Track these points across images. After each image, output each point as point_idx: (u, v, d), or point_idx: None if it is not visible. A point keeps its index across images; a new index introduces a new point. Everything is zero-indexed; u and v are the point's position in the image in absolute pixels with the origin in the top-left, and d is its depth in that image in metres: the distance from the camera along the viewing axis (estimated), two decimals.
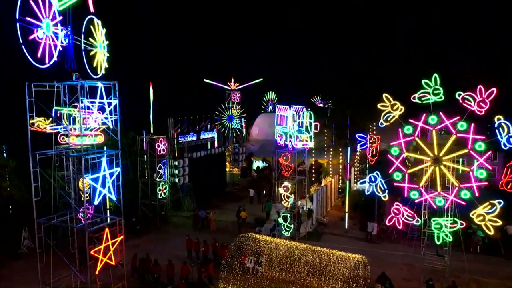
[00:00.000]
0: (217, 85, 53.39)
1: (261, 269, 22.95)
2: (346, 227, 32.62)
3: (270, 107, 73.53)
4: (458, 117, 20.26)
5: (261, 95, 72.58)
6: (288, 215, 26.62)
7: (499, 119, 19.40)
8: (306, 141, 28.70)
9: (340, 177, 40.88)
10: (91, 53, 17.56)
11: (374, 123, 37.48)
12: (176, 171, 36.98)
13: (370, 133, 35.03)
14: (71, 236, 21.40)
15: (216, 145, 45.00)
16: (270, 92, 73.59)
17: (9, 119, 32.02)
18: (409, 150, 23.14)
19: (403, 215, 21.73)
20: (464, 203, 20.12)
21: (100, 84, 18.37)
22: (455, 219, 21.29)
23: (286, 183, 26.55)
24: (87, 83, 18.08)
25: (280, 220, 26.76)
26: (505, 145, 19.20)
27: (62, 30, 15.87)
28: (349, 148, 32.45)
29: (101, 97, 19.01)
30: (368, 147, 22.04)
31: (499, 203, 20.09)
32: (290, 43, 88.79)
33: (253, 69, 71.37)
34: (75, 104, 27.28)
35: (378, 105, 21.26)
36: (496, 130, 19.32)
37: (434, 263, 23.24)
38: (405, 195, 21.31)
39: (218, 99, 53.49)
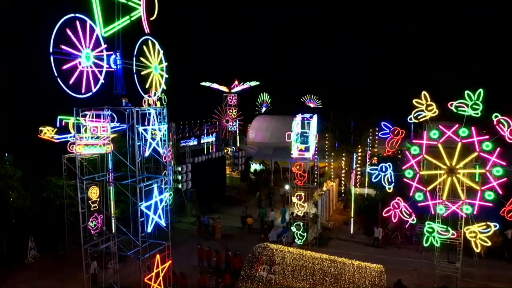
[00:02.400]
0: (214, 88, 53.26)
1: (274, 278, 23.09)
2: (352, 232, 32.89)
3: (264, 109, 73.73)
4: (457, 125, 20.59)
5: (255, 96, 72.70)
6: (301, 223, 26.77)
7: None
8: (303, 151, 28.45)
9: (343, 181, 41.19)
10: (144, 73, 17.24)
11: (377, 128, 37.96)
12: (179, 177, 36.79)
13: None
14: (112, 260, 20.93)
15: (216, 149, 45.02)
16: (264, 93, 73.77)
17: (13, 128, 31.53)
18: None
19: (401, 211, 22.02)
20: (491, 205, 20.37)
21: (152, 111, 17.97)
22: (448, 227, 21.80)
23: (299, 192, 26.66)
24: (141, 109, 17.60)
25: (293, 229, 26.89)
26: None
27: (109, 56, 15.51)
28: (354, 154, 32.83)
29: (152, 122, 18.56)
30: (390, 137, 22.03)
31: (495, 226, 20.90)
32: (285, 43, 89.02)
33: (248, 71, 71.47)
34: (86, 112, 27.06)
35: (414, 101, 20.95)
36: None
37: (446, 269, 23.68)
38: (433, 213, 21.61)
39: (215, 102, 53.49)
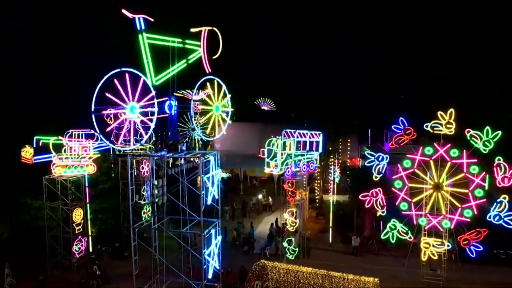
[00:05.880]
0: (187, 96, 52.59)
1: None
2: (330, 241, 33.91)
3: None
4: (450, 145, 22.17)
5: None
6: (293, 238, 27.39)
7: (504, 198, 21.46)
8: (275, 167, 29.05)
9: (317, 190, 42.29)
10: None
11: (349, 140, 39.53)
12: (155, 191, 36.16)
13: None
14: None
15: (185, 159, 44.49)
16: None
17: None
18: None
19: (376, 201, 23.36)
20: (469, 220, 22.09)
21: (211, 158, 17.55)
22: (409, 231, 23.49)
23: (291, 209, 27.32)
24: (205, 158, 17.01)
25: (285, 244, 27.46)
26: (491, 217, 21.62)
27: (163, 102, 14.97)
28: (333, 167, 33.98)
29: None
30: (400, 133, 22.91)
31: (448, 246, 23.08)
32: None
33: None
34: (71, 131, 26.11)
35: (438, 113, 21.91)
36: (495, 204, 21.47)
37: (430, 277, 25.25)
38: (415, 223, 23.00)
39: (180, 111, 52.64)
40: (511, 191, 21.83)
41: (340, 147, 43.34)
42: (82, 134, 26.59)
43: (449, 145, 22.10)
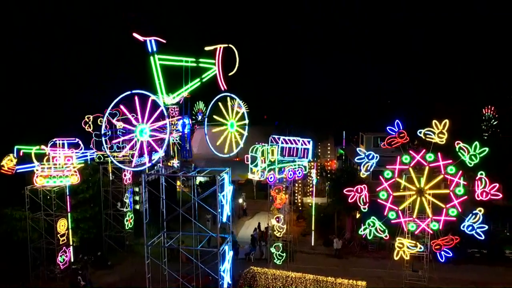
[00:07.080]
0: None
1: None
2: (313, 244, 34.53)
3: (200, 117, 73.24)
4: (424, 150, 23.02)
5: (192, 105, 71.96)
6: (280, 244, 27.79)
7: (480, 210, 22.20)
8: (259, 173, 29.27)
9: (297, 194, 42.82)
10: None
11: (329, 144, 40.30)
12: (137, 198, 35.96)
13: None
14: None
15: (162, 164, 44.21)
16: (199, 102, 73.35)
17: None
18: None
19: (360, 197, 23.61)
20: (455, 219, 22.95)
21: (225, 176, 17.39)
22: (386, 229, 24.06)
23: (279, 215, 27.70)
24: (221, 178, 17.10)
25: (273, 249, 27.81)
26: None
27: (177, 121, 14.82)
28: (314, 170, 34.64)
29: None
30: (393, 136, 23.25)
31: (420, 248, 23.90)
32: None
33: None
34: (54, 140, 25.59)
35: (433, 122, 22.08)
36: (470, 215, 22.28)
37: (413, 278, 26.18)
38: (405, 229, 23.82)
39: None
40: (487, 205, 22.78)
41: (320, 150, 44.15)
42: (65, 143, 26.09)
43: (423, 150, 22.87)
